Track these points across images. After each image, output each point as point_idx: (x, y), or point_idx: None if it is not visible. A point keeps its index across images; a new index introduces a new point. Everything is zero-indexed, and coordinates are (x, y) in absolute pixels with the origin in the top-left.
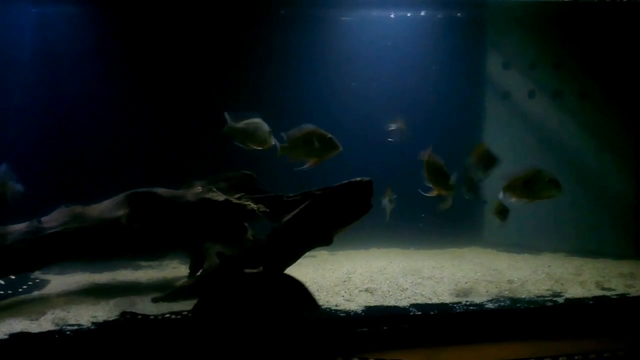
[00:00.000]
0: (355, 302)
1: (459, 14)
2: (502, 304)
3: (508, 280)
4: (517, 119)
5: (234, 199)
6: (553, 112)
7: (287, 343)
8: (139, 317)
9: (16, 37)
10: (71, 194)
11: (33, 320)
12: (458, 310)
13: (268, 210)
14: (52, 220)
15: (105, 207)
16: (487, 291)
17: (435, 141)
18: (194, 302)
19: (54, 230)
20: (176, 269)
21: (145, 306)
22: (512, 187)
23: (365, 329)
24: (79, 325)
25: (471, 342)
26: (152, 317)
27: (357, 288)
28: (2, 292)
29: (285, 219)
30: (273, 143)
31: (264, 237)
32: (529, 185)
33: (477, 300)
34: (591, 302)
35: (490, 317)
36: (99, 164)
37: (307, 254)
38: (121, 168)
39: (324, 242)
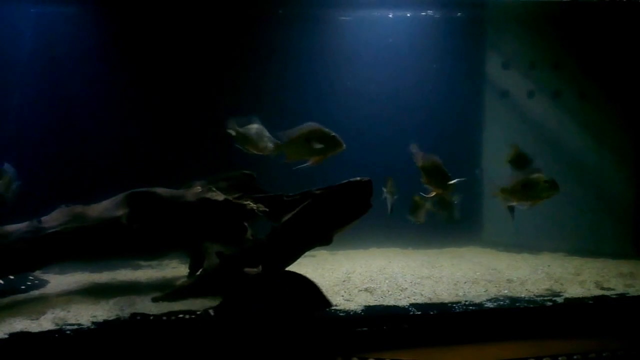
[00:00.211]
0: (355, 302)
1: (458, 14)
2: (502, 303)
3: (507, 280)
4: (517, 119)
5: (233, 198)
6: (552, 112)
7: (298, 341)
8: (151, 317)
9: (15, 37)
10: (71, 193)
11: (33, 319)
12: (457, 310)
13: (268, 209)
14: (52, 220)
15: (105, 207)
16: (487, 291)
17: (435, 141)
18: (194, 302)
19: (54, 230)
20: (176, 269)
21: (145, 306)
22: (511, 192)
23: (365, 329)
24: (79, 324)
25: (471, 341)
26: (151, 316)
27: (356, 288)
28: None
29: (285, 218)
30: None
31: (263, 236)
32: (527, 188)
33: (477, 299)
34: (591, 302)
35: (490, 317)
36: (99, 164)
37: (307, 253)
38: (121, 168)
39: (323, 242)
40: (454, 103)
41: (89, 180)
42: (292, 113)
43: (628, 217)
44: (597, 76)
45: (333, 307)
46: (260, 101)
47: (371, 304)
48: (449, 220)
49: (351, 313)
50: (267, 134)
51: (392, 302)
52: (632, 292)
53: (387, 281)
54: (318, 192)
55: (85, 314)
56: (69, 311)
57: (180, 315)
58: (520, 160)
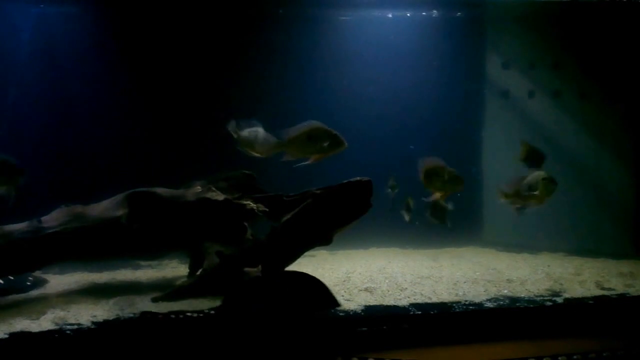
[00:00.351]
0: (355, 302)
1: (458, 13)
2: (502, 303)
3: (507, 280)
4: (517, 118)
5: (233, 198)
6: (552, 112)
7: (298, 341)
8: (159, 316)
9: (15, 37)
10: (71, 193)
11: (33, 319)
12: (457, 310)
13: (267, 209)
14: (52, 219)
15: (105, 207)
16: (486, 290)
17: (435, 141)
18: (194, 302)
19: (53, 230)
20: (175, 269)
21: (145, 306)
22: (516, 195)
23: (365, 329)
24: (78, 324)
25: (471, 341)
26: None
27: (356, 287)
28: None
29: (285, 218)
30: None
31: (263, 236)
32: (531, 189)
33: (477, 299)
34: (591, 302)
35: (490, 317)
36: (99, 164)
37: (307, 253)
38: (121, 168)
39: (323, 242)
40: (454, 103)
41: (89, 180)
42: (292, 113)
43: (628, 217)
44: (597, 76)
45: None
46: (260, 101)
47: (371, 304)
48: (440, 222)
49: (351, 313)
50: (267, 137)
51: (392, 302)
52: (632, 292)
53: (387, 281)
54: (318, 192)
55: (85, 314)
56: (68, 311)
57: (181, 315)
58: (533, 157)
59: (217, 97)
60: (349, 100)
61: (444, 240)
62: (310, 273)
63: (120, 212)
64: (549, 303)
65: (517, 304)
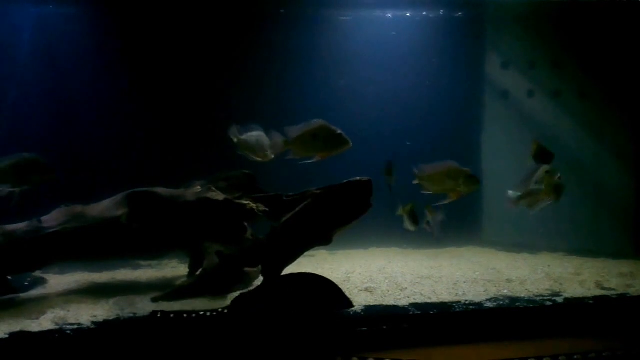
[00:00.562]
0: (355, 302)
1: (458, 13)
2: (501, 303)
3: (507, 280)
4: (516, 118)
5: (233, 198)
6: (552, 111)
7: (298, 341)
8: (171, 315)
9: (15, 37)
10: (71, 193)
11: (33, 319)
12: (457, 310)
13: (267, 209)
14: (52, 219)
15: (105, 207)
16: (486, 290)
17: (435, 141)
18: (194, 302)
19: (53, 230)
20: (175, 269)
21: (144, 305)
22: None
23: (365, 329)
24: (79, 324)
25: (471, 341)
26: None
27: (356, 287)
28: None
29: (285, 218)
30: (273, 157)
31: (263, 236)
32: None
33: (476, 299)
34: (591, 302)
35: (490, 317)
36: (99, 164)
37: (306, 253)
38: (121, 168)
39: (323, 242)
40: (454, 103)
41: (89, 180)
42: (292, 112)
43: (628, 217)
44: (597, 76)
45: None
46: (260, 100)
47: (371, 304)
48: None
49: (351, 313)
50: (267, 141)
51: (392, 302)
52: (632, 292)
53: (386, 281)
54: (318, 192)
55: (85, 314)
56: (68, 311)
57: (194, 315)
58: (543, 155)
59: (217, 97)
60: (348, 100)
61: (443, 241)
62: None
63: (120, 212)
64: (549, 303)
65: (517, 304)
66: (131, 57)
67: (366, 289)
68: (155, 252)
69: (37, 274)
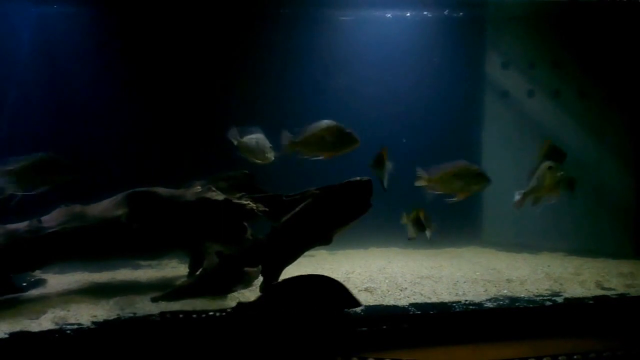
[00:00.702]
0: None
1: (458, 13)
2: (501, 303)
3: (507, 280)
4: (516, 118)
5: (233, 198)
6: (552, 111)
7: (298, 340)
8: (180, 315)
9: (15, 36)
10: (71, 193)
11: (33, 319)
12: (457, 310)
13: (267, 209)
14: (52, 219)
15: (105, 207)
16: (486, 290)
17: (435, 141)
18: (193, 301)
19: (53, 230)
20: (175, 269)
21: (144, 305)
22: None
23: (365, 329)
24: (79, 324)
25: (471, 341)
26: (181, 314)
27: (356, 287)
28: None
29: (285, 218)
30: (273, 159)
31: (263, 236)
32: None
33: (476, 299)
34: (591, 302)
35: (490, 317)
36: (98, 164)
37: (306, 253)
38: (121, 167)
39: (323, 242)
40: (454, 103)
41: (89, 180)
42: (292, 112)
43: (628, 217)
44: (597, 75)
45: None
46: (260, 100)
47: (371, 304)
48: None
49: (351, 313)
50: (268, 144)
51: (391, 302)
52: (632, 292)
53: (386, 281)
54: (318, 191)
55: (85, 314)
56: (69, 311)
57: (181, 315)
58: (556, 154)
59: (217, 97)
60: (348, 100)
61: (443, 241)
62: (310, 273)
63: (120, 212)
64: (548, 303)
65: (517, 304)
66: (131, 57)
67: (366, 289)
68: (155, 252)
69: (37, 273)
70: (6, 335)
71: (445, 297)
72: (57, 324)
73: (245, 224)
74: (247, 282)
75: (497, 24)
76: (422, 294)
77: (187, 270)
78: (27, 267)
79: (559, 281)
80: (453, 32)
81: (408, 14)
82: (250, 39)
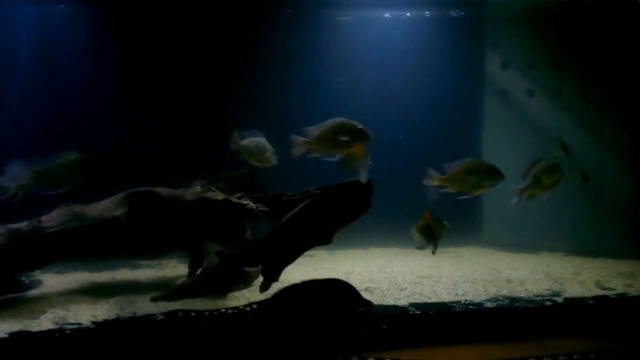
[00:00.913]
0: None
1: (457, 13)
2: (501, 303)
3: (507, 280)
4: (516, 118)
5: (233, 198)
6: (552, 111)
7: (298, 340)
8: (192, 313)
9: (14, 36)
10: (71, 192)
11: (33, 319)
12: (457, 310)
13: (267, 209)
14: (52, 219)
15: (105, 206)
16: (486, 290)
17: (434, 141)
18: (193, 301)
19: (53, 230)
20: (175, 268)
21: (144, 305)
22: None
23: (365, 328)
24: (79, 324)
25: (471, 341)
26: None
27: (356, 287)
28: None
29: (285, 218)
30: (275, 163)
31: (263, 236)
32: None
33: (476, 299)
34: (591, 302)
35: (490, 317)
36: (98, 163)
37: (306, 253)
38: (121, 167)
39: (323, 242)
40: (453, 103)
41: (89, 180)
42: (292, 112)
43: (628, 217)
44: (597, 75)
45: None
46: (260, 100)
47: None
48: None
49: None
50: (269, 147)
51: (391, 302)
52: (632, 292)
53: (386, 281)
54: (317, 191)
55: (85, 314)
56: (68, 310)
57: (180, 314)
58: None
59: (217, 97)
60: (349, 100)
61: (443, 241)
62: (310, 273)
63: (119, 212)
64: (548, 303)
65: (517, 304)
66: (131, 57)
67: (366, 289)
68: (155, 252)
69: (37, 273)
70: (6, 335)
71: (445, 297)
72: (57, 323)
73: (245, 223)
74: (247, 282)
75: (497, 24)
76: (422, 294)
77: (187, 270)
78: (28, 266)
79: (559, 281)
80: (453, 32)
81: (408, 14)
82: (251, 39)
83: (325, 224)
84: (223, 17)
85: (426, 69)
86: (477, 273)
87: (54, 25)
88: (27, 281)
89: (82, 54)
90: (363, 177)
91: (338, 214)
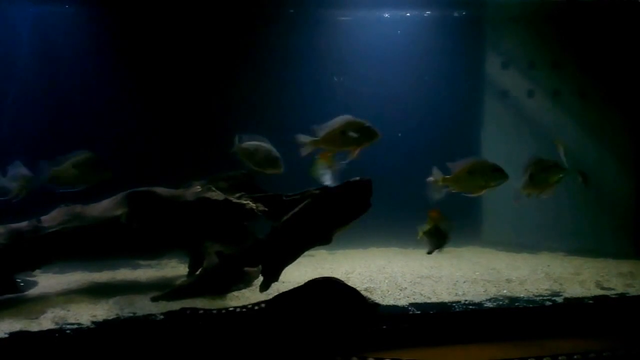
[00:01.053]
0: None
1: (457, 13)
2: (501, 303)
3: (507, 280)
4: (516, 118)
5: (233, 198)
6: (552, 111)
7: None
8: (203, 311)
9: (14, 36)
10: (70, 192)
11: (33, 319)
12: (457, 310)
13: (267, 209)
14: (52, 219)
15: (105, 207)
16: (486, 290)
17: (434, 140)
18: (193, 301)
19: (53, 230)
20: (175, 268)
21: (144, 305)
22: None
23: (364, 329)
24: (78, 324)
25: (470, 341)
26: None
27: (356, 287)
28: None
29: (285, 218)
30: (282, 170)
31: (263, 236)
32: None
33: (476, 299)
34: (590, 302)
35: (490, 317)
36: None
37: (306, 253)
38: (120, 167)
39: (323, 241)
40: (453, 103)
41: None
42: (292, 112)
43: (628, 217)
44: (597, 75)
45: None
46: (259, 100)
47: None
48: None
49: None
50: (273, 153)
51: (391, 302)
52: (632, 291)
53: (386, 281)
54: (317, 191)
55: (85, 313)
56: (68, 310)
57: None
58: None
59: (217, 97)
60: (348, 101)
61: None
62: (310, 273)
63: (119, 212)
64: (548, 303)
65: (517, 304)
66: (132, 57)
67: (366, 289)
68: (154, 251)
69: (37, 273)
70: (6, 335)
71: (445, 297)
72: (57, 323)
73: (245, 223)
74: (247, 282)
75: (497, 24)
76: (421, 294)
77: (187, 270)
78: (28, 266)
79: (559, 281)
80: (453, 32)
81: (408, 14)
82: (251, 38)
83: (325, 223)
84: (223, 17)
85: (426, 69)
86: (477, 273)
87: (55, 25)
88: (21, 283)
89: (82, 54)
90: (330, 184)
91: (338, 214)
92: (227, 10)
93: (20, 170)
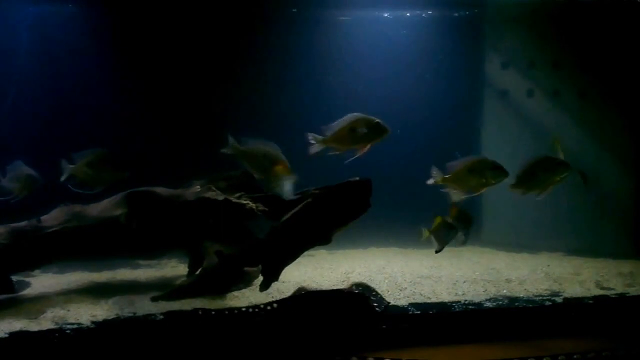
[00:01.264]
0: None
1: (457, 13)
2: (501, 303)
3: (506, 280)
4: (516, 118)
5: (233, 198)
6: (552, 111)
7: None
8: (212, 312)
9: (14, 36)
10: (70, 192)
11: (33, 319)
12: (457, 310)
13: (267, 209)
14: (52, 219)
15: (104, 206)
16: (486, 290)
17: (434, 140)
18: (193, 301)
19: (53, 229)
20: (175, 268)
21: (144, 305)
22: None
23: (364, 329)
24: (78, 324)
25: (471, 341)
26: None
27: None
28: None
29: (284, 218)
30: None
31: (263, 236)
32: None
33: (476, 299)
34: (590, 302)
35: (489, 317)
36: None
37: (306, 253)
38: (120, 167)
39: (323, 241)
40: (454, 103)
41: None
42: (292, 112)
43: (628, 217)
44: (596, 75)
45: None
46: (259, 99)
47: None
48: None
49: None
50: (279, 156)
51: (391, 302)
52: (632, 292)
53: (386, 281)
54: (317, 191)
55: (85, 313)
56: (68, 310)
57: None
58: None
59: (217, 97)
60: (348, 101)
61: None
62: (310, 272)
63: (119, 212)
64: (548, 303)
65: (516, 304)
66: (132, 57)
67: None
68: (154, 251)
69: (37, 273)
70: (6, 335)
71: (445, 297)
72: (56, 323)
73: (245, 223)
74: (247, 282)
75: (497, 24)
76: (421, 294)
77: (187, 269)
78: (28, 266)
79: (559, 281)
80: (453, 32)
81: (408, 14)
82: (250, 38)
83: (325, 223)
84: (223, 17)
85: (426, 69)
86: (476, 273)
87: (55, 25)
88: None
89: (82, 54)
90: (288, 194)
91: (338, 213)
92: (228, 10)
93: (22, 169)
